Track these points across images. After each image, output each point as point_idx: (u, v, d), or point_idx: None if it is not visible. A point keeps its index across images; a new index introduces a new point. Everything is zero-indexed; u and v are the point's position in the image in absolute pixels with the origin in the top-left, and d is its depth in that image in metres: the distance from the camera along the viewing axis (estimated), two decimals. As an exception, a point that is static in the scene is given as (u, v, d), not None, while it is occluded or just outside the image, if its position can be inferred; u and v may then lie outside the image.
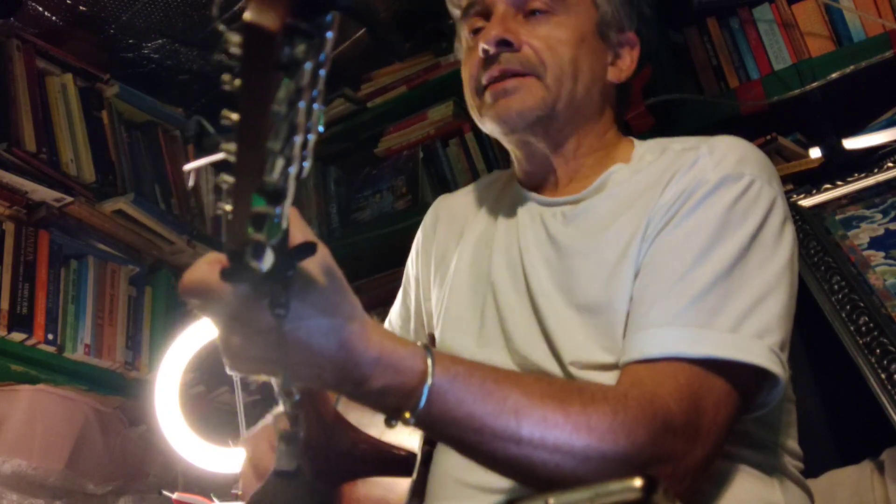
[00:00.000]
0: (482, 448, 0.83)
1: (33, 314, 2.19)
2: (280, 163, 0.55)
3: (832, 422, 1.70)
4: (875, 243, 1.81)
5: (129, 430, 2.34)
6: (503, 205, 1.29)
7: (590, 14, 1.20)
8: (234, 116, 0.54)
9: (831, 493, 1.43)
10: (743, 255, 0.99)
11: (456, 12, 1.26)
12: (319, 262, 0.71)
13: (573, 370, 1.04)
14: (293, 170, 0.57)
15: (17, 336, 2.15)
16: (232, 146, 0.56)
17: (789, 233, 1.04)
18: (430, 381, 0.79)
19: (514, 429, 0.82)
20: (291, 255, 0.66)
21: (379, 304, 2.62)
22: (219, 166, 0.58)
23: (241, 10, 0.50)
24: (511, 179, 1.32)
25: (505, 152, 1.34)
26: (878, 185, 1.86)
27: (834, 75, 2.02)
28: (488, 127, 1.20)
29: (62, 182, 2.32)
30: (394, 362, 0.78)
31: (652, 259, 1.03)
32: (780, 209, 1.04)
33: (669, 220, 1.04)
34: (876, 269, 1.77)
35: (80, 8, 2.48)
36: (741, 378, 0.94)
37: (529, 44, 1.16)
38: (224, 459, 2.14)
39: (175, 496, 1.92)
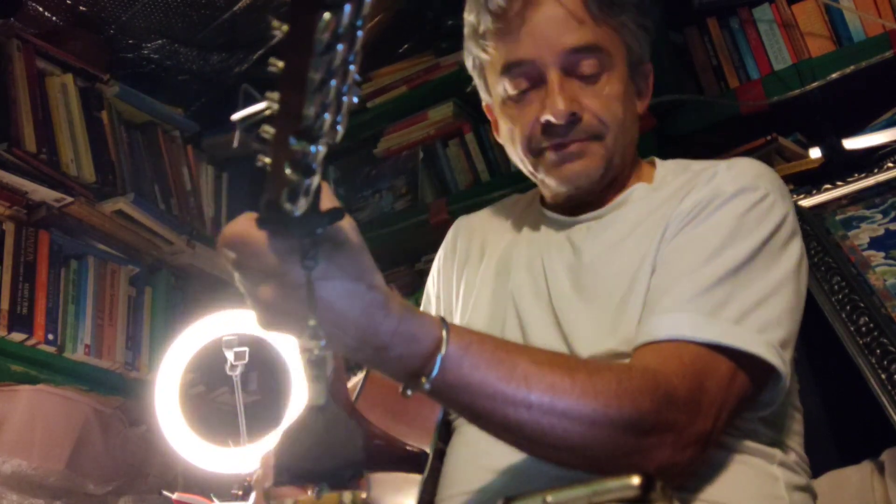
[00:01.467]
0: (494, 414, 0.87)
1: (33, 314, 2.19)
2: (318, 101, 0.59)
3: (832, 422, 1.70)
4: (875, 243, 1.81)
5: (129, 430, 2.34)
6: (525, 224, 1.34)
7: (623, 58, 1.23)
8: (280, 64, 0.59)
9: (831, 494, 1.43)
10: (752, 258, 1.05)
11: (484, 56, 1.26)
12: (347, 228, 0.76)
13: None
14: (328, 118, 0.61)
15: (17, 336, 2.15)
16: (276, 95, 0.61)
17: (797, 245, 1.10)
18: (444, 348, 0.83)
19: (525, 394, 0.86)
20: (321, 217, 0.71)
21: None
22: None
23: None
24: (533, 202, 1.38)
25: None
26: (878, 185, 1.86)
27: (834, 75, 2.02)
28: (548, 183, 1.24)
29: (62, 182, 2.32)
30: (412, 330, 0.82)
31: (667, 256, 1.09)
32: (791, 223, 1.11)
33: (687, 223, 1.10)
34: (876, 270, 1.77)
35: (80, 8, 2.48)
36: (743, 366, 0.99)
37: (590, 109, 1.19)
38: (224, 459, 2.14)
39: (175, 496, 1.92)
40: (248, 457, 2.08)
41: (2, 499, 1.99)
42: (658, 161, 1.31)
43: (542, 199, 1.34)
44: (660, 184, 1.24)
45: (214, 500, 1.94)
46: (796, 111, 2.08)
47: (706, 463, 1.00)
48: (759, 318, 1.01)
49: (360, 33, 0.59)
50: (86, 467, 2.18)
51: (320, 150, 0.63)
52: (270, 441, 2.05)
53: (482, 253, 1.36)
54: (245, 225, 0.75)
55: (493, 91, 1.27)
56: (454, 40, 2.24)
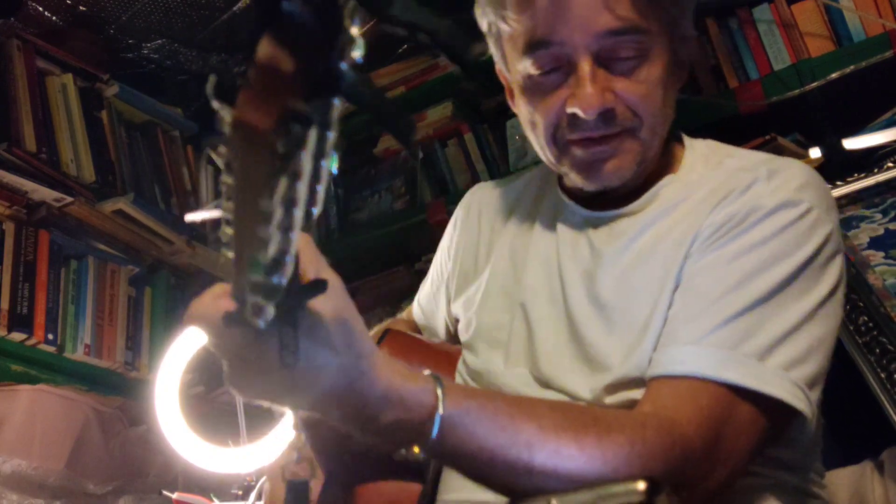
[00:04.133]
0: (494, 479, 0.83)
1: (33, 314, 2.19)
2: (276, 239, 0.53)
3: (832, 421, 1.70)
4: (875, 243, 1.81)
5: (129, 430, 2.34)
6: (542, 211, 1.23)
7: (667, 35, 1.08)
8: (228, 181, 0.53)
9: (831, 494, 1.43)
10: (787, 283, 0.95)
11: (504, 27, 1.10)
12: (331, 299, 0.69)
13: (605, 396, 1.02)
14: (295, 234, 0.54)
15: (17, 336, 2.15)
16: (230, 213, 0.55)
17: (837, 265, 1.00)
18: (439, 415, 0.78)
19: (527, 461, 0.81)
20: (301, 294, 0.64)
21: (378, 304, 2.62)
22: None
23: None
24: (549, 182, 1.26)
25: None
26: (878, 185, 1.86)
27: (834, 75, 2.02)
28: (574, 179, 1.12)
29: (62, 182, 2.32)
30: (403, 397, 0.76)
31: (692, 278, 0.99)
32: (834, 242, 1.00)
33: (717, 240, 1.00)
34: (875, 269, 1.77)
35: (80, 8, 2.48)
36: (765, 409, 0.91)
37: (624, 100, 1.04)
38: (224, 459, 2.13)
39: (175, 496, 1.92)
40: (248, 457, 2.08)
41: (2, 499, 1.99)
42: (687, 140, 1.18)
43: (560, 179, 1.22)
44: (689, 174, 1.12)
45: (214, 500, 1.94)
46: (796, 111, 2.08)
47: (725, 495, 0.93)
48: (786, 353, 0.92)
49: (330, 134, 0.51)
50: (86, 467, 2.18)
51: (288, 266, 0.56)
52: (270, 441, 2.05)
53: (493, 237, 1.28)
54: (212, 309, 0.68)
55: (512, 66, 1.12)
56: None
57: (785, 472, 1.02)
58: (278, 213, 0.51)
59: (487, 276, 1.23)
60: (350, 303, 0.73)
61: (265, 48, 0.47)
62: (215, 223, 0.57)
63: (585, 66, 1.03)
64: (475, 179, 2.55)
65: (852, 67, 2.00)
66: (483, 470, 0.82)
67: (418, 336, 1.39)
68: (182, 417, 2.16)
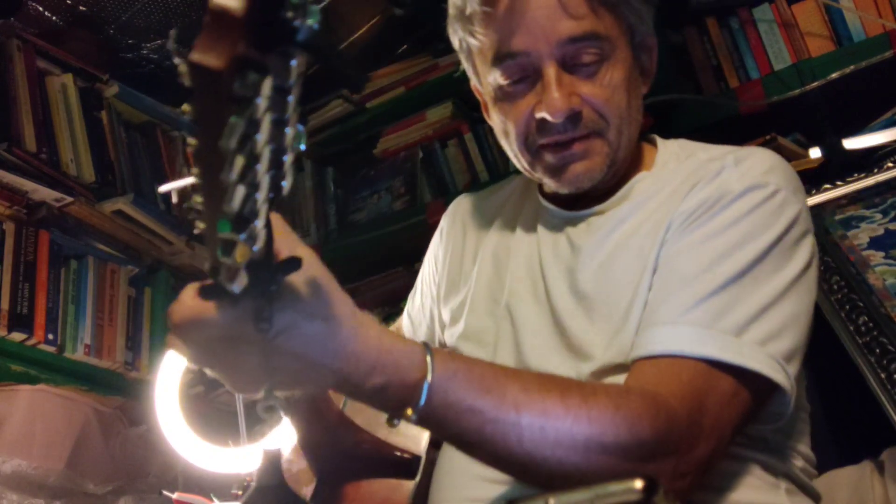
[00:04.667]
0: (484, 444, 0.83)
1: (33, 314, 2.19)
2: (241, 191, 0.54)
3: (832, 421, 1.70)
4: (875, 243, 1.81)
5: (129, 430, 2.34)
6: (523, 217, 1.27)
7: (626, 40, 1.13)
8: (192, 141, 0.54)
9: (831, 494, 1.43)
10: (758, 261, 0.98)
11: (472, 42, 1.16)
12: (306, 271, 0.70)
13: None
14: (260, 195, 0.56)
15: (17, 336, 2.15)
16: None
17: (808, 246, 1.03)
18: (429, 377, 0.79)
19: (515, 422, 0.82)
20: (275, 270, 0.66)
21: (378, 304, 2.63)
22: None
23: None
24: (530, 189, 1.30)
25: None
26: (878, 185, 1.86)
27: (834, 75, 2.02)
28: (547, 183, 1.17)
29: (62, 182, 2.32)
30: (393, 361, 0.78)
31: (668, 261, 1.03)
32: (803, 222, 1.04)
33: (689, 224, 1.03)
34: (875, 269, 1.77)
35: (80, 8, 2.48)
36: (745, 382, 0.93)
37: (589, 102, 1.10)
38: (224, 459, 2.13)
39: (175, 496, 1.92)
40: (248, 457, 2.08)
41: (2, 499, 1.99)
42: (659, 141, 1.23)
43: (539, 185, 1.26)
44: (661, 170, 1.17)
45: (214, 500, 1.94)
46: (796, 111, 2.08)
47: (709, 474, 0.94)
48: (762, 329, 0.94)
49: (291, 98, 0.54)
50: (86, 467, 2.18)
51: (258, 229, 0.59)
52: (270, 441, 2.05)
53: (478, 245, 1.31)
54: (190, 303, 0.72)
55: (483, 79, 1.18)
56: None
57: (766, 454, 1.02)
58: (238, 160, 0.52)
59: (473, 282, 1.26)
60: (326, 272, 0.75)
61: None
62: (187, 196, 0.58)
63: (551, 72, 1.09)
64: (475, 179, 2.55)
65: (852, 67, 2.00)
66: (474, 434, 0.82)
67: None
68: (182, 417, 2.16)
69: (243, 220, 0.56)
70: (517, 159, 1.18)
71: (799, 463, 1.06)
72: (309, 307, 0.72)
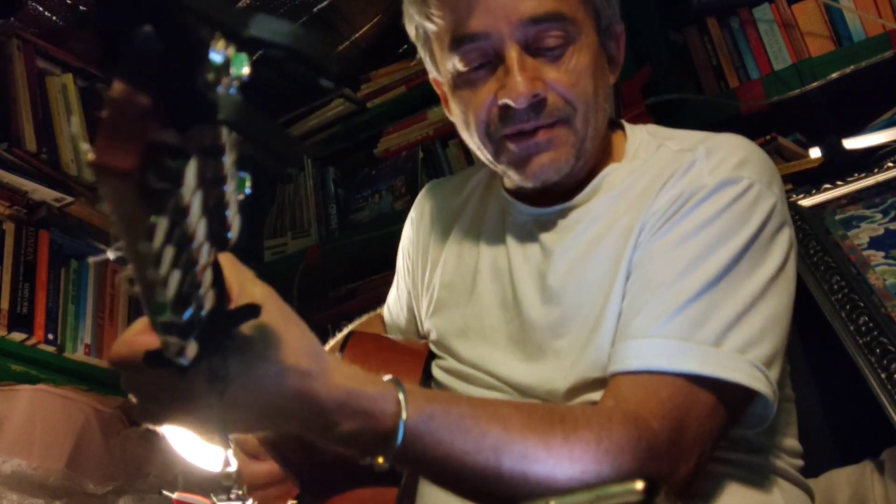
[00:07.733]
0: (463, 485, 0.81)
1: (33, 314, 2.19)
2: (175, 277, 0.49)
3: (832, 422, 1.70)
4: (875, 243, 1.80)
5: (129, 430, 2.34)
6: (488, 216, 1.22)
7: (592, 24, 1.08)
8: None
9: (831, 493, 1.43)
10: (734, 263, 0.95)
11: (429, 26, 1.10)
12: (265, 311, 0.63)
13: (563, 397, 1.02)
14: (200, 264, 0.50)
15: (17, 336, 2.15)
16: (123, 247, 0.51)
17: (785, 239, 1.00)
18: (402, 422, 0.74)
19: (495, 466, 0.79)
20: (229, 322, 0.60)
21: (377, 304, 2.62)
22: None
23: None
24: (494, 182, 1.25)
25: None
26: (878, 185, 1.86)
27: (834, 75, 2.02)
28: (511, 176, 1.11)
29: (62, 182, 2.32)
30: (363, 405, 0.72)
31: (641, 267, 0.99)
32: (779, 215, 1.00)
33: (661, 225, 1.00)
34: (876, 269, 1.77)
35: (80, 8, 2.48)
36: (725, 394, 0.91)
37: (554, 88, 1.04)
38: (224, 459, 2.13)
39: (175, 496, 1.92)
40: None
41: (2, 499, 1.99)
42: (628, 127, 1.18)
43: (503, 179, 1.20)
44: (632, 161, 1.11)
45: (214, 500, 1.93)
46: (796, 111, 2.08)
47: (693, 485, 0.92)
48: (741, 335, 0.91)
49: (224, 158, 0.47)
50: (86, 467, 2.18)
51: (203, 299, 0.52)
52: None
53: (445, 236, 1.27)
54: (132, 348, 0.62)
55: (442, 67, 1.12)
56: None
57: (749, 454, 1.01)
58: (167, 254, 0.47)
59: (438, 286, 1.23)
60: (284, 309, 0.69)
61: (116, 85, 0.44)
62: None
63: (513, 54, 1.02)
64: (475, 179, 2.55)
65: (852, 67, 2.00)
66: (451, 476, 0.80)
67: (385, 336, 1.39)
68: (182, 417, 2.15)
69: (182, 302, 0.51)
70: (480, 151, 1.12)
71: (785, 457, 1.05)
72: (268, 350, 0.66)
